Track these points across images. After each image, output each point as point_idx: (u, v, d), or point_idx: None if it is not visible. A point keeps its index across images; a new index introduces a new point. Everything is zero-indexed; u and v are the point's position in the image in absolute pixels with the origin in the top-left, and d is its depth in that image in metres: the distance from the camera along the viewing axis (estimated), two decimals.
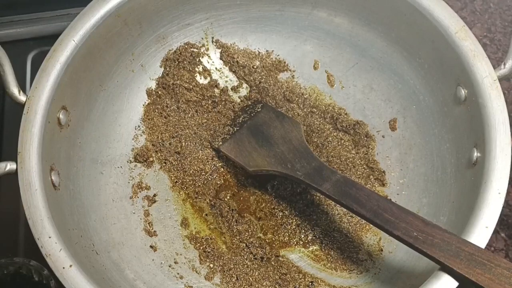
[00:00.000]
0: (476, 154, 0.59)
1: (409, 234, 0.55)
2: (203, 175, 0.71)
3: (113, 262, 0.63)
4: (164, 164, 0.72)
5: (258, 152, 0.69)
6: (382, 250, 0.66)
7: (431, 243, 0.54)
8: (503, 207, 0.55)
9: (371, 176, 0.71)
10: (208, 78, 0.76)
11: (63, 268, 0.52)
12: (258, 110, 0.73)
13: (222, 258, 0.66)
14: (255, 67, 0.76)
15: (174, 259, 0.66)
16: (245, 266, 0.66)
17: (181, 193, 0.70)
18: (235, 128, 0.72)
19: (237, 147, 0.70)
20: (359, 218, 0.68)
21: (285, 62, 0.77)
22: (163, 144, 0.72)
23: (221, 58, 0.77)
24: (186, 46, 0.76)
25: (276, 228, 0.68)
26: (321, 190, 0.62)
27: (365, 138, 0.72)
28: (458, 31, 0.63)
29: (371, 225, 0.67)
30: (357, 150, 0.72)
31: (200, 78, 0.76)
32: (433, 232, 0.54)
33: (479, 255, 0.52)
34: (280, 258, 0.66)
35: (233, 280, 0.65)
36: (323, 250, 0.67)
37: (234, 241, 0.67)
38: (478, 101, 0.60)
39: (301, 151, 0.67)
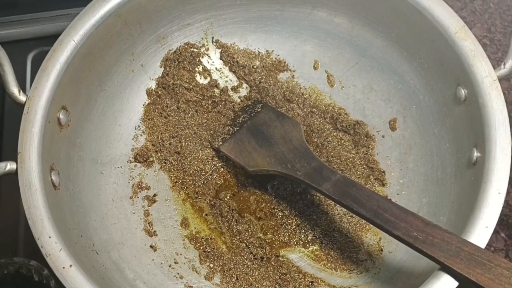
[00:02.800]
0: (476, 154, 0.59)
1: (409, 234, 0.55)
2: (203, 175, 0.71)
3: (113, 262, 0.63)
4: (164, 164, 0.72)
5: (258, 152, 0.69)
6: (382, 250, 0.66)
7: (431, 243, 0.54)
8: (503, 207, 0.55)
9: (371, 176, 0.71)
10: (208, 78, 0.76)
11: (63, 268, 0.52)
12: (258, 110, 0.73)
13: (222, 258, 0.66)
14: (255, 67, 0.76)
15: (174, 259, 0.66)
16: (245, 266, 0.66)
17: (181, 193, 0.70)
18: (235, 128, 0.72)
19: (237, 147, 0.70)
20: (359, 218, 0.68)
21: (285, 62, 0.77)
22: (163, 144, 0.72)
23: (221, 58, 0.77)
24: (186, 46, 0.76)
25: (276, 228, 0.68)
26: (321, 190, 0.62)
27: (365, 138, 0.72)
28: (458, 31, 0.63)
29: (371, 225, 0.67)
30: (357, 150, 0.72)
31: (200, 78, 0.76)
32: (433, 232, 0.54)
33: (479, 255, 0.52)
34: (280, 258, 0.66)
35: (233, 280, 0.65)
36: (323, 250, 0.67)
37: (234, 241, 0.67)
38: (478, 101, 0.60)
39: (301, 151, 0.67)
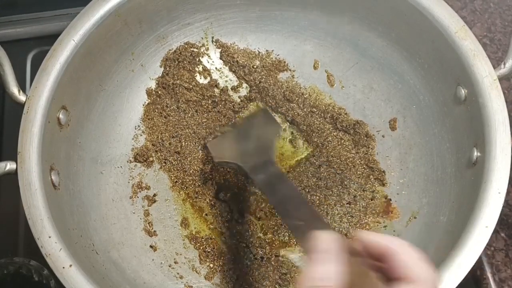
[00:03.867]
0: (476, 153, 0.59)
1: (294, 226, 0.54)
2: (203, 175, 0.71)
3: (113, 262, 0.63)
4: (164, 164, 0.72)
5: (232, 147, 0.69)
6: None
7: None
8: (503, 206, 0.55)
9: (371, 176, 0.71)
10: (208, 78, 0.76)
11: (63, 268, 0.52)
12: (258, 116, 0.72)
13: (222, 258, 0.66)
14: (255, 67, 0.76)
15: (174, 259, 0.66)
16: (245, 266, 0.66)
17: (181, 193, 0.70)
18: (228, 129, 0.72)
19: (219, 144, 0.70)
20: (359, 218, 0.68)
21: (285, 62, 0.77)
22: (163, 144, 0.72)
23: (221, 58, 0.77)
24: (186, 45, 0.76)
25: (276, 228, 0.68)
26: (254, 179, 0.62)
27: (365, 138, 0.72)
28: (458, 30, 0.63)
29: (371, 225, 0.68)
30: (357, 149, 0.72)
31: (200, 78, 0.76)
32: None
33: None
34: (280, 258, 0.66)
35: (233, 280, 0.65)
36: None
37: (234, 241, 0.67)
38: (478, 101, 0.60)
39: (262, 148, 0.66)
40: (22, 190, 0.55)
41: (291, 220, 0.55)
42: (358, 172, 0.71)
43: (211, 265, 0.66)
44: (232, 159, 0.67)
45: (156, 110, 0.73)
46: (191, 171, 0.71)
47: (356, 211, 0.69)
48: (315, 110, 0.75)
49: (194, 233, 0.68)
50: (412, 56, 0.70)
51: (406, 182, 0.70)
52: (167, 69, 0.75)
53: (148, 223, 0.68)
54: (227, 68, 0.77)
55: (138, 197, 0.69)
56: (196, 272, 0.66)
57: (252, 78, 0.76)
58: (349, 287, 0.37)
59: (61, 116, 0.62)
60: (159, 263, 0.66)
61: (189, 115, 0.74)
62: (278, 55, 0.77)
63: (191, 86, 0.75)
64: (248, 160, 0.65)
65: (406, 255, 0.39)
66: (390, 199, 0.69)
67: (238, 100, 0.76)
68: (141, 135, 0.73)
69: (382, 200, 0.69)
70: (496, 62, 0.81)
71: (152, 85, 0.74)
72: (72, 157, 0.64)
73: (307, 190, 0.70)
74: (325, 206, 0.69)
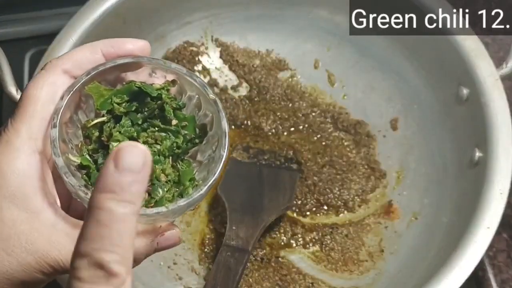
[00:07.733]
0: (478, 154, 0.59)
1: None
2: None
3: None
4: None
5: (238, 186, 0.68)
6: (383, 251, 0.66)
7: None
8: (505, 207, 0.55)
9: (372, 176, 0.70)
10: (208, 77, 0.76)
11: None
12: (284, 166, 0.70)
13: None
14: (255, 66, 0.76)
15: (173, 260, 0.66)
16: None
17: None
18: (251, 159, 0.70)
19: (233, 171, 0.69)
20: (359, 219, 0.67)
21: (285, 61, 0.77)
22: None
23: (220, 57, 0.77)
24: (185, 45, 0.75)
25: (276, 229, 0.68)
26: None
27: (366, 138, 0.72)
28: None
29: (372, 226, 0.68)
30: (358, 150, 0.72)
31: None
32: None
33: None
34: (280, 259, 0.66)
35: None
36: (323, 251, 0.67)
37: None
38: (480, 101, 0.60)
39: (258, 211, 0.65)
40: None
41: None
42: (359, 173, 0.71)
43: (211, 266, 0.66)
44: (224, 196, 0.66)
45: None
46: None
47: (357, 212, 0.69)
48: (316, 110, 0.74)
49: (193, 234, 0.68)
50: (413, 56, 0.70)
51: (408, 182, 0.69)
52: None
53: None
54: (226, 67, 0.77)
55: None
56: (195, 273, 0.66)
57: (252, 77, 0.76)
58: None
59: None
60: (158, 264, 0.65)
61: None
62: (278, 54, 0.77)
63: None
64: (236, 205, 0.65)
65: None
66: (391, 200, 0.69)
67: (238, 100, 0.75)
68: None
69: (383, 200, 0.69)
70: (498, 61, 0.81)
71: None
72: None
73: (307, 190, 0.69)
74: (326, 207, 0.69)
